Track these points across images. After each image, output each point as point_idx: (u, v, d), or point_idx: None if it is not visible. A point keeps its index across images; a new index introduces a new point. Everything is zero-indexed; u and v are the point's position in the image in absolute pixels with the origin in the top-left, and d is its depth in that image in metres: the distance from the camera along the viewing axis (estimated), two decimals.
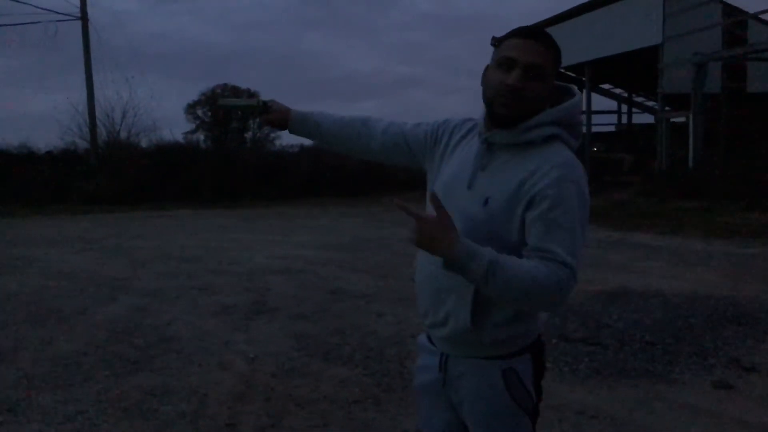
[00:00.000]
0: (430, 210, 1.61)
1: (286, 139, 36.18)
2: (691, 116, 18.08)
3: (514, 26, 1.53)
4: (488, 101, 1.51)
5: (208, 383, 3.82)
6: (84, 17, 21.21)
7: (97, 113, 22.11)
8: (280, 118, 1.88)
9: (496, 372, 1.52)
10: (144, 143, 24.18)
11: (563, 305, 1.41)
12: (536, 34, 1.48)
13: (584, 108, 24.61)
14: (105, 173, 19.72)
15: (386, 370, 4.06)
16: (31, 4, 22.23)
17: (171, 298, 6.13)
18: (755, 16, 19.01)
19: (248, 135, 40.29)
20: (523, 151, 1.48)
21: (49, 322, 5.27)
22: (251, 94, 33.99)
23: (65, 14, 21.15)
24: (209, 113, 38.89)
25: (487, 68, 1.54)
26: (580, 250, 1.41)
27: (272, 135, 39.96)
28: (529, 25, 1.58)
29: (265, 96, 1.97)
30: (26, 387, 3.78)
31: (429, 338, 1.67)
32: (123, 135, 23.87)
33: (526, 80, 1.43)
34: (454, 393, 1.60)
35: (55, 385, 3.82)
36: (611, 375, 3.95)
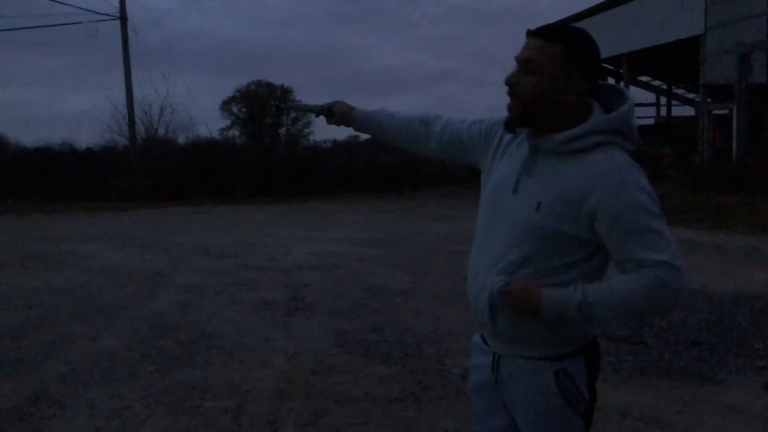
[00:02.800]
0: (481, 219, 1.61)
1: (320, 134, 36.51)
2: (734, 108, 17.58)
3: (549, 18, 1.54)
4: None
5: (250, 380, 3.86)
6: (123, 17, 21.64)
7: (135, 110, 22.61)
8: (343, 120, 1.94)
9: (549, 373, 1.51)
10: (181, 140, 24.66)
11: (681, 300, 1.40)
12: (541, 30, 1.50)
13: None
14: (143, 170, 20.13)
15: (425, 368, 4.04)
16: (71, 5, 22.81)
17: (211, 294, 6.22)
18: None
19: (282, 131, 40.67)
20: (574, 156, 1.45)
21: (93, 317, 5.39)
22: (286, 90, 34.24)
23: (105, 14, 21.64)
24: (244, 109, 39.32)
25: None
26: (670, 242, 1.38)
27: (306, 131, 40.24)
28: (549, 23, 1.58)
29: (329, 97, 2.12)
30: (74, 381, 3.87)
31: (483, 337, 1.67)
32: (161, 132, 24.39)
33: (519, 74, 1.47)
34: (507, 393, 1.59)
35: (101, 379, 3.90)
36: (656, 375, 3.87)
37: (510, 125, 1.53)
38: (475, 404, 1.72)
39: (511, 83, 1.48)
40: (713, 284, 6.21)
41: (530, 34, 1.51)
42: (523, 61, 1.46)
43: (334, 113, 1.93)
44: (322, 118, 1.98)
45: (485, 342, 1.65)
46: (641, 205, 1.38)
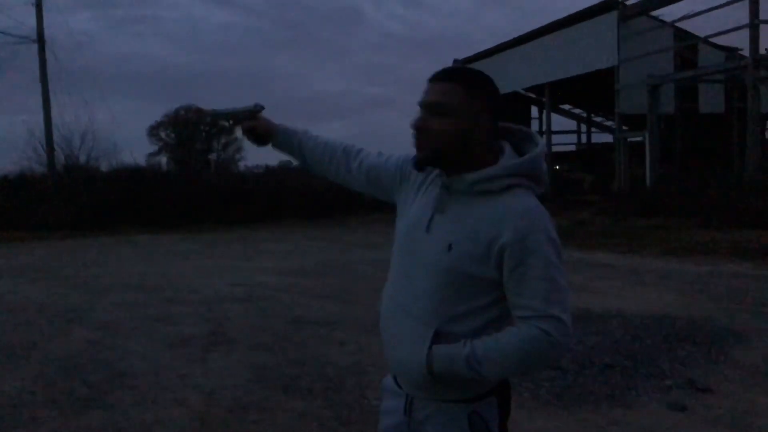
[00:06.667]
0: (395, 256, 1.61)
1: (252, 160, 36.01)
2: (647, 136, 18.59)
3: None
4: None
5: (162, 421, 3.71)
6: (41, 40, 20.84)
7: (54, 137, 21.66)
8: (265, 128, 1.83)
9: (462, 416, 1.50)
10: (104, 167, 23.70)
11: (565, 352, 1.47)
12: (441, 74, 1.51)
13: (544, 128, 25.11)
14: (62, 198, 19.23)
15: (346, 401, 3.99)
16: None
17: (127, 330, 5.96)
18: (705, 40, 19.72)
19: (212, 156, 39.90)
20: (484, 197, 1.46)
21: None
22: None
23: (21, 37, 20.75)
24: (173, 135, 38.43)
25: None
26: (564, 295, 1.41)
27: (237, 156, 39.58)
28: (449, 66, 1.60)
29: None
30: None
31: (395, 379, 1.64)
32: (82, 159, 23.39)
33: (429, 117, 1.47)
34: None
35: None
36: (571, 400, 3.96)
37: (419, 165, 1.52)
38: None
39: (421, 127, 1.47)
40: (628, 306, 6.47)
41: (430, 80, 1.51)
42: (430, 105, 1.47)
43: (259, 115, 1.82)
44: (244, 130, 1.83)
45: (397, 383, 1.63)
46: (545, 253, 1.40)
